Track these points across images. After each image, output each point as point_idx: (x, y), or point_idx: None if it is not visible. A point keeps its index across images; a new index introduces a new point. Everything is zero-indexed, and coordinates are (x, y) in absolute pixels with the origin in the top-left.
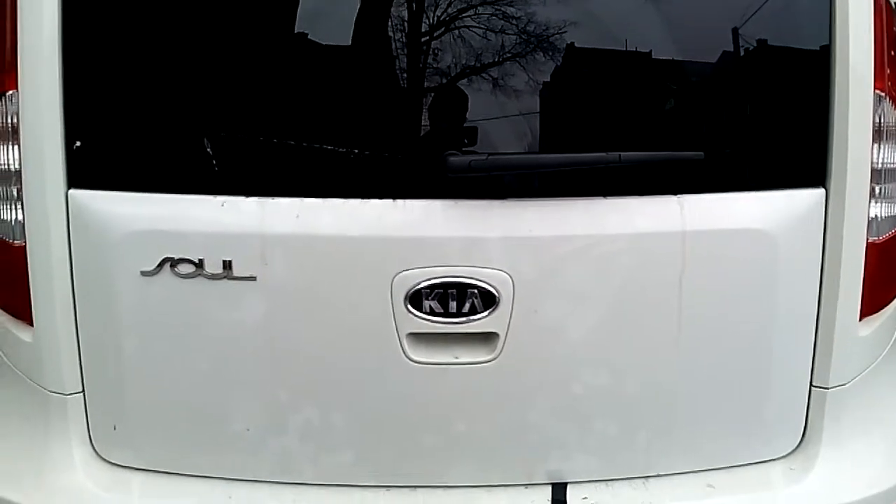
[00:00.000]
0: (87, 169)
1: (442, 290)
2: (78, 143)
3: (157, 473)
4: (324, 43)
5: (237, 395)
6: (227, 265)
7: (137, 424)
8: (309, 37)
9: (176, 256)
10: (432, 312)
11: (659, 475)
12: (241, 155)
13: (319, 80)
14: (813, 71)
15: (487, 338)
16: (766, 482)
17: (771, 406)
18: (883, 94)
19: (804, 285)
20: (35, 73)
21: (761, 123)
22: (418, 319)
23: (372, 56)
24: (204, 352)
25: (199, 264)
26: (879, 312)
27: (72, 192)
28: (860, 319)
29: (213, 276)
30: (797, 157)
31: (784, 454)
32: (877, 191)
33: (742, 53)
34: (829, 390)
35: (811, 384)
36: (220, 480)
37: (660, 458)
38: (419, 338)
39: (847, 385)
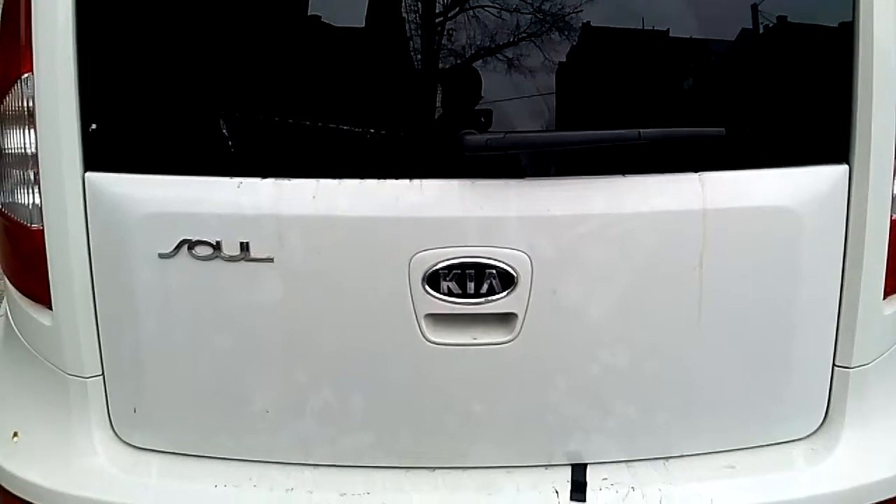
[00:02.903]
0: (103, 152)
1: (460, 271)
2: (94, 126)
3: (177, 455)
4: (339, 24)
5: (256, 377)
6: (245, 247)
7: (157, 407)
8: (324, 17)
9: (193, 238)
10: (450, 293)
11: (679, 456)
12: (257, 136)
13: (335, 61)
14: (836, 45)
15: (506, 318)
16: (787, 463)
17: (793, 386)
18: None
19: (827, 263)
20: (50, 56)
21: (783, 99)
22: (436, 300)
23: (387, 36)
24: (222, 334)
25: (217, 246)
26: None
27: (88, 175)
28: (884, 298)
29: (231, 258)
30: (820, 132)
31: (806, 434)
32: None
33: (764, 28)
34: (853, 370)
35: (834, 364)
36: (240, 462)
37: (680, 439)
38: (437, 319)
39: (870, 364)
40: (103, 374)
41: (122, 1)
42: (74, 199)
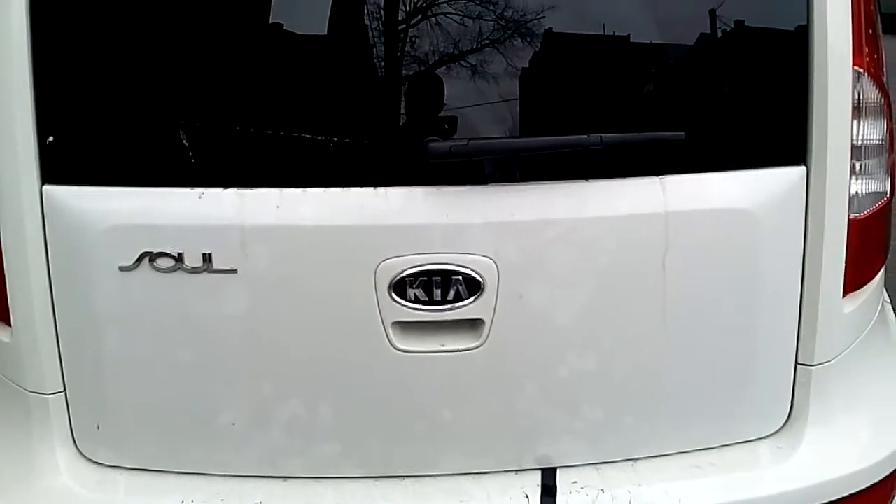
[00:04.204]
0: (61, 164)
1: (426, 278)
2: (51, 138)
3: (143, 472)
4: (301, 31)
5: (222, 391)
6: (207, 258)
7: (121, 423)
8: (286, 24)
9: (154, 250)
10: (417, 300)
11: (647, 457)
12: (218, 145)
13: (297, 68)
14: (791, 49)
15: (473, 324)
16: (753, 461)
17: (757, 385)
18: (861, 70)
19: (787, 263)
20: (5, 66)
21: (741, 103)
22: (403, 308)
23: (351, 44)
24: (186, 347)
25: (179, 258)
26: (862, 288)
27: (46, 188)
28: (844, 296)
29: (193, 270)
30: (778, 135)
31: (771, 433)
32: (857, 167)
33: (721, 34)
34: (815, 367)
35: (796, 362)
36: (208, 476)
37: (648, 440)
38: (404, 326)
39: (832, 362)
40: (65, 390)
41: (79, 10)
42: (32, 213)
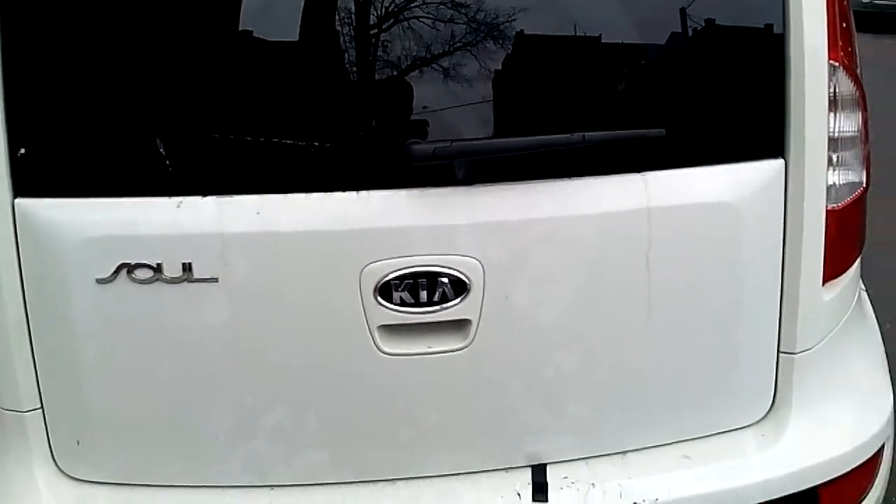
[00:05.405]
0: (33, 176)
1: (412, 280)
2: (22, 150)
3: (125, 486)
4: (280, 36)
5: (206, 401)
6: (187, 267)
7: (102, 438)
8: (261, 30)
9: (132, 261)
10: (403, 303)
11: (636, 450)
12: (195, 153)
13: (274, 73)
14: (768, 45)
15: (460, 325)
16: (739, 449)
17: (741, 374)
18: (837, 64)
19: (768, 254)
20: None
21: (720, 98)
22: (389, 311)
23: (329, 47)
24: (167, 358)
25: (158, 268)
26: (841, 277)
27: (18, 201)
28: (823, 284)
29: (173, 280)
30: (756, 129)
31: (756, 420)
32: (834, 159)
33: (698, 29)
34: (797, 355)
35: (779, 350)
36: (193, 489)
37: (636, 433)
38: (391, 329)
39: (813, 349)
40: (42, 407)
41: (49, 19)
42: (4, 227)
